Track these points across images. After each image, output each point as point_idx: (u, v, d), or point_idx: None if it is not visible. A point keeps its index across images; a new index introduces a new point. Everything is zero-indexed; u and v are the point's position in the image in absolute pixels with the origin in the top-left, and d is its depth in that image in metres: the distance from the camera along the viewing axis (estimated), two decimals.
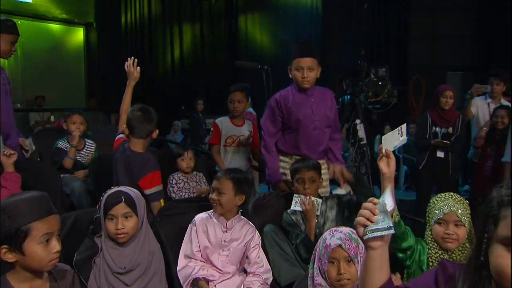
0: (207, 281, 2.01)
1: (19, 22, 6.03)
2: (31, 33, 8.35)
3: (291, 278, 2.12)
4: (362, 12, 3.82)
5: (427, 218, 1.82)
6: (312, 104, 2.72)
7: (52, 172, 2.90)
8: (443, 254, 1.77)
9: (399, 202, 1.81)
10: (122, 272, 1.82)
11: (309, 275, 1.62)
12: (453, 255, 1.75)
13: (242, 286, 2.08)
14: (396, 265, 1.80)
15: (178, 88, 9.61)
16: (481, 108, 4.35)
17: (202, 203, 2.35)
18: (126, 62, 2.76)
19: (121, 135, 2.63)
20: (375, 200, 1.04)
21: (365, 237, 1.01)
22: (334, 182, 2.62)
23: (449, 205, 1.73)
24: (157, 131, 2.61)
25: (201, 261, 2.08)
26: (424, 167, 4.00)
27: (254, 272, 2.10)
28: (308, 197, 2.33)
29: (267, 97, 3.43)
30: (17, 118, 3.29)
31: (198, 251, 2.08)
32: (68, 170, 3.35)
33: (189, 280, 1.99)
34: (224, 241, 2.10)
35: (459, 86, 6.54)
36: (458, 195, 1.80)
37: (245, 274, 2.14)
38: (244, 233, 2.13)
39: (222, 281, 2.07)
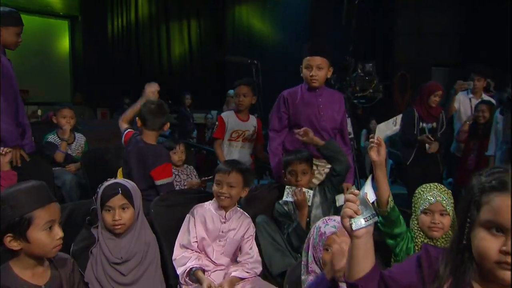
0: (203, 271, 2.05)
1: None
2: None
3: (283, 267, 2.17)
4: (351, 8, 3.85)
5: (413, 208, 1.88)
6: (320, 105, 2.69)
7: (44, 165, 2.91)
8: (429, 243, 1.82)
9: None
10: (119, 262, 1.86)
11: (302, 263, 1.67)
12: (437, 242, 1.81)
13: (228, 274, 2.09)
14: (383, 252, 1.86)
15: (166, 82, 9.56)
16: (463, 103, 4.48)
17: (196, 195, 2.41)
18: (149, 87, 2.80)
19: (129, 130, 2.72)
20: (355, 191, 1.07)
21: (354, 228, 1.03)
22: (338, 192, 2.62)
23: (435, 196, 1.79)
24: (168, 124, 2.70)
25: (196, 251, 2.12)
26: (412, 163, 3.97)
27: (242, 261, 2.14)
28: (299, 188, 2.38)
29: (257, 91, 3.47)
30: None
31: (195, 241, 2.12)
32: (59, 163, 3.35)
33: (185, 269, 2.03)
34: (222, 231, 2.14)
35: (442, 82, 6.65)
36: (443, 186, 1.86)
37: None
38: (241, 223, 2.18)
39: (215, 271, 2.11)
